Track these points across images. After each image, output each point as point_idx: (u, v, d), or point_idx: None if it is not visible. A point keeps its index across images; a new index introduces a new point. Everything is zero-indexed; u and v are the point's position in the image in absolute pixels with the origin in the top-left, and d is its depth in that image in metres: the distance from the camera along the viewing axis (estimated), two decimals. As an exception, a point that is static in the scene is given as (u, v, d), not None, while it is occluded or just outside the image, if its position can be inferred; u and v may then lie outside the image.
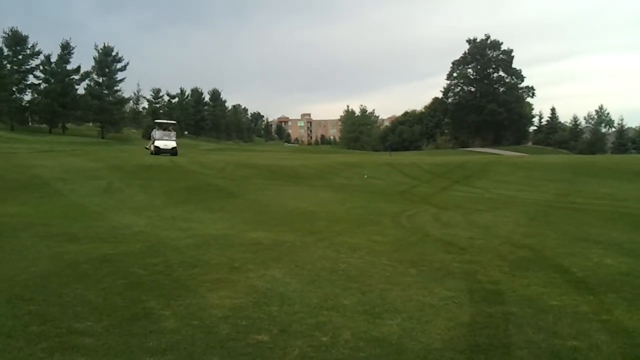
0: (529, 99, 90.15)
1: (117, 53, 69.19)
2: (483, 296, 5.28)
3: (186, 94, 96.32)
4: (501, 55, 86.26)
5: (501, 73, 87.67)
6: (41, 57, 64.18)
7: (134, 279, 5.69)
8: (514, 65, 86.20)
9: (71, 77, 66.07)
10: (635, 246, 8.10)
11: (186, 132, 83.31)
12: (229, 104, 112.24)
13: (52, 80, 63.47)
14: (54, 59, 64.63)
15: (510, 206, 13.95)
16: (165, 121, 41.90)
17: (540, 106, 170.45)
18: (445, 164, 28.51)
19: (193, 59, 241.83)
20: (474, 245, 8.14)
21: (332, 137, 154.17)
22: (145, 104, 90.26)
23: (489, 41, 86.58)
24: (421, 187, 20.00)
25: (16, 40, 61.96)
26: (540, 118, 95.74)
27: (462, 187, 20.17)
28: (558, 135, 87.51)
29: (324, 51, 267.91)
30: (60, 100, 62.07)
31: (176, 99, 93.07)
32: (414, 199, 15.76)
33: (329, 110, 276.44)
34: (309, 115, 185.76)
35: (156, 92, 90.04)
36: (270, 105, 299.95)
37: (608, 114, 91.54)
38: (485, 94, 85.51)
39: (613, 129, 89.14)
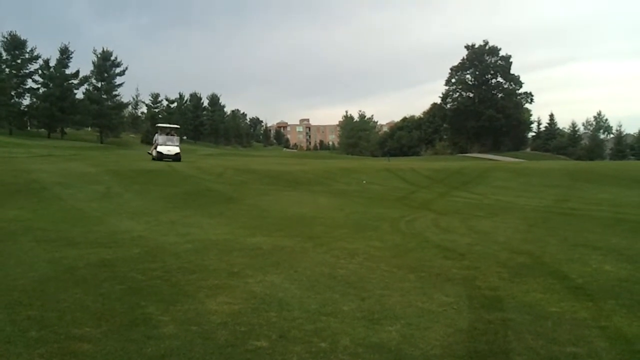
0: (527, 105, 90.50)
1: (116, 58, 69.38)
2: (482, 302, 5.28)
3: (185, 98, 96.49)
4: (499, 61, 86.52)
5: (499, 79, 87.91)
6: (40, 61, 64.32)
7: (132, 284, 5.68)
8: (512, 71, 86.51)
9: (70, 82, 66.11)
10: (634, 252, 8.09)
11: (185, 137, 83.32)
12: (228, 109, 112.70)
13: (51, 85, 63.51)
14: (52, 63, 64.78)
15: (509, 212, 13.95)
16: (168, 125, 40.38)
17: (539, 112, 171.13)
18: (444, 170, 28.54)
19: (192, 63, 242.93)
20: (473, 251, 8.13)
21: (330, 143, 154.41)
22: (144, 109, 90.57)
23: (487, 47, 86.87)
24: (420, 192, 20.01)
25: (15, 44, 62.00)
26: (539, 124, 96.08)
27: (461, 192, 20.18)
28: (556, 141, 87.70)
29: (323, 57, 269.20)
30: (59, 104, 62.07)
31: (175, 104, 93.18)
32: (412, 205, 15.76)
33: (327, 115, 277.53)
34: (308, 120, 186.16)
35: (155, 97, 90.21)
36: (269, 110, 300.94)
37: (606, 120, 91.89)
38: (483, 100, 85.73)
39: (611, 135, 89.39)
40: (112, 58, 69.02)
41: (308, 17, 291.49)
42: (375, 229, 10.51)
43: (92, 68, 68.50)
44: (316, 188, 20.47)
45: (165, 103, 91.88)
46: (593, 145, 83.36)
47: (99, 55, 68.09)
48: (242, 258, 7.25)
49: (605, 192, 20.01)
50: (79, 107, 65.40)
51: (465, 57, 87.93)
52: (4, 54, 61.88)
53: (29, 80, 64.84)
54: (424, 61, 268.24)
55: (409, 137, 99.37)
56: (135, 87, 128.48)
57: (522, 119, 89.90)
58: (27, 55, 63.42)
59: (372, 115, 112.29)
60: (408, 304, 5.14)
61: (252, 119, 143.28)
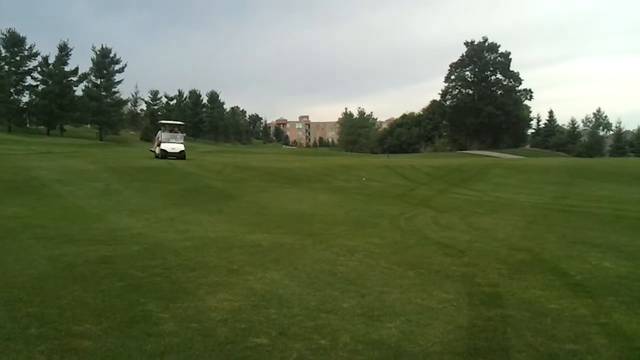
0: (526, 102, 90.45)
1: (115, 54, 69.33)
2: (481, 299, 5.28)
3: (184, 95, 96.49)
4: (499, 58, 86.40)
5: (499, 76, 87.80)
6: (39, 58, 64.25)
7: (132, 282, 5.68)
8: (511, 68, 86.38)
9: (69, 79, 66.06)
10: (634, 249, 8.10)
11: (184, 134, 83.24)
12: (227, 106, 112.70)
13: (50, 82, 63.44)
14: (51, 60, 64.69)
15: (509, 209, 13.96)
16: (171, 122, 38.72)
17: (538, 109, 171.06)
18: (444, 167, 28.55)
19: (191, 60, 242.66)
20: (473, 248, 8.14)
21: (330, 140, 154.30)
22: (143, 106, 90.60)
23: (486, 44, 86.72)
24: (419, 189, 20.02)
25: (14, 41, 61.88)
26: (538, 121, 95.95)
27: (461, 189, 20.19)
28: (556, 138, 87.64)
29: (323, 54, 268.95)
30: (58, 101, 62.04)
31: (174, 101, 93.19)
32: (412, 202, 15.76)
33: (327, 112, 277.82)
34: (307, 117, 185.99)
35: (154, 94, 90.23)
36: (268, 107, 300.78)
37: (606, 117, 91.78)
38: (483, 97, 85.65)
39: (611, 132, 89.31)
40: (112, 55, 68.98)
41: (308, 15, 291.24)
42: (375, 226, 10.52)
43: (91, 65, 68.55)
44: (316, 185, 20.47)
45: (164, 100, 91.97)
46: (592, 142, 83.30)
47: (98, 52, 68.04)
48: (242, 255, 7.25)
49: (604, 189, 20.03)
50: (78, 104, 65.37)
51: (464, 54, 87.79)
52: (3, 51, 61.80)
53: (28, 78, 64.78)
54: (424, 58, 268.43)
55: (409, 134, 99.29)
56: (134, 84, 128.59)
57: (522, 116, 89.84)
58: (26, 52, 63.31)
59: (372, 112, 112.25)
60: (408, 301, 5.14)
61: (251, 116, 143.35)
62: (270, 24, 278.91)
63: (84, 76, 67.65)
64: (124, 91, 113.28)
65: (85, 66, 74.91)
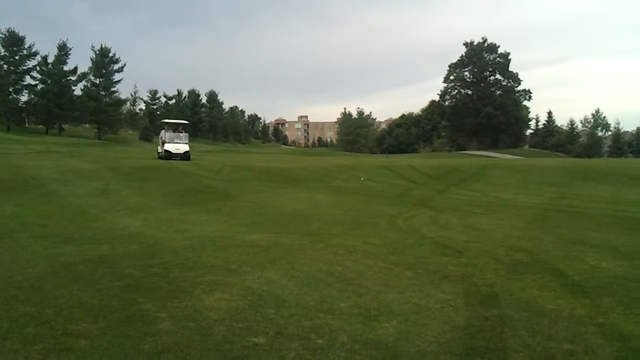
0: (525, 102, 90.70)
1: (114, 54, 69.31)
2: (479, 299, 5.29)
3: (183, 95, 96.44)
4: (498, 59, 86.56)
5: (498, 76, 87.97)
6: (38, 57, 64.27)
7: (130, 281, 5.68)
8: (510, 69, 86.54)
9: (68, 78, 66.03)
10: (632, 250, 8.12)
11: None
12: (226, 106, 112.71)
13: (49, 81, 63.42)
14: (50, 59, 64.70)
15: (507, 209, 13.98)
16: (175, 121, 36.84)
17: (537, 109, 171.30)
18: (442, 167, 28.56)
19: (190, 60, 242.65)
20: (470, 248, 8.15)
21: (329, 140, 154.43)
22: (142, 105, 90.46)
23: (485, 44, 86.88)
24: (418, 189, 20.03)
25: (13, 40, 61.85)
26: (537, 121, 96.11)
27: (459, 190, 20.20)
28: (555, 139, 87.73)
29: (322, 53, 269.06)
30: (57, 101, 62.01)
31: (173, 101, 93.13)
32: (410, 202, 15.77)
33: (326, 112, 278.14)
34: (306, 117, 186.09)
35: (153, 94, 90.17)
36: (267, 107, 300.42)
37: (604, 117, 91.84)
38: (482, 97, 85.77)
39: (609, 133, 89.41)
40: (111, 54, 68.96)
41: (307, 15, 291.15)
42: (373, 226, 10.52)
43: (90, 64, 68.56)
44: (314, 185, 20.48)
45: (163, 100, 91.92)
46: (591, 143, 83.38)
47: (97, 52, 68.02)
48: (240, 255, 7.25)
49: (602, 189, 20.06)
50: (77, 104, 65.34)
51: (463, 54, 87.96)
52: (2, 50, 61.86)
53: (27, 77, 64.80)
54: (423, 58, 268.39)
55: (407, 134, 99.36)
56: (133, 84, 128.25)
57: (521, 116, 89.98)
58: (25, 52, 63.30)
59: (371, 113, 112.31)
60: (405, 301, 5.15)
61: (250, 116, 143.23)
62: (270, 24, 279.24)
63: (83, 75, 67.64)
64: (123, 91, 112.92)
65: (84, 66, 74.85)
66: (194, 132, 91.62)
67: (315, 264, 6.78)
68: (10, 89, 62.45)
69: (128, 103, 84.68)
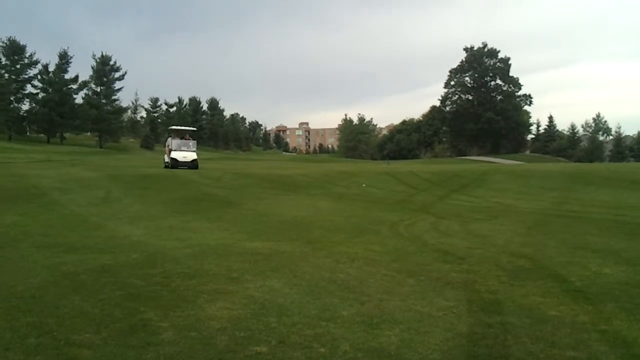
0: (526, 107, 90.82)
1: (115, 62, 69.65)
2: (481, 306, 5.27)
3: (184, 103, 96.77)
4: (498, 64, 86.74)
5: (498, 81, 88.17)
6: (39, 66, 64.66)
7: (132, 290, 5.67)
8: (511, 74, 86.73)
9: (69, 87, 66.34)
10: (634, 255, 8.10)
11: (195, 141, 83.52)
12: (227, 113, 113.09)
13: (50, 90, 63.70)
14: (51, 68, 65.07)
15: (508, 215, 13.96)
16: (182, 128, 36.01)
17: (538, 114, 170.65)
18: (443, 173, 28.55)
19: (191, 68, 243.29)
20: (472, 254, 8.13)
21: (330, 146, 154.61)
22: (144, 113, 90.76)
23: (486, 49, 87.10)
24: (419, 195, 20.01)
25: (14, 49, 62.18)
26: (538, 126, 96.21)
27: (460, 195, 20.18)
28: (556, 144, 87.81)
29: (322, 60, 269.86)
30: (58, 109, 62.25)
31: (174, 108, 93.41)
32: (412, 208, 15.76)
33: (327, 119, 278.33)
34: (307, 124, 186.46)
35: (154, 101, 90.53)
36: (268, 114, 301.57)
37: (605, 122, 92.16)
38: (482, 102, 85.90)
39: (611, 137, 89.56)
40: (112, 62, 69.31)
41: (307, 22, 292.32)
42: (375, 233, 10.51)
43: (91, 73, 68.96)
44: (315, 192, 20.47)
45: (164, 107, 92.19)
46: (592, 147, 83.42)
47: (98, 60, 68.35)
48: (242, 263, 7.24)
49: (604, 194, 20.03)
50: (78, 112, 65.59)
51: (464, 60, 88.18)
52: (3, 59, 62.21)
53: (28, 86, 65.21)
54: (423, 64, 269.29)
55: (408, 140, 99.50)
56: (134, 92, 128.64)
57: (521, 121, 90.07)
58: (26, 61, 63.68)
59: (372, 119, 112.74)
60: (407, 309, 5.13)
61: (251, 123, 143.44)
62: (270, 31, 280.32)
63: (84, 84, 67.94)
64: (124, 99, 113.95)
65: (85, 74, 75.28)
66: (195, 139, 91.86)
67: (317, 271, 6.76)
68: (12, 98, 62.71)
69: (129, 111, 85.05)
